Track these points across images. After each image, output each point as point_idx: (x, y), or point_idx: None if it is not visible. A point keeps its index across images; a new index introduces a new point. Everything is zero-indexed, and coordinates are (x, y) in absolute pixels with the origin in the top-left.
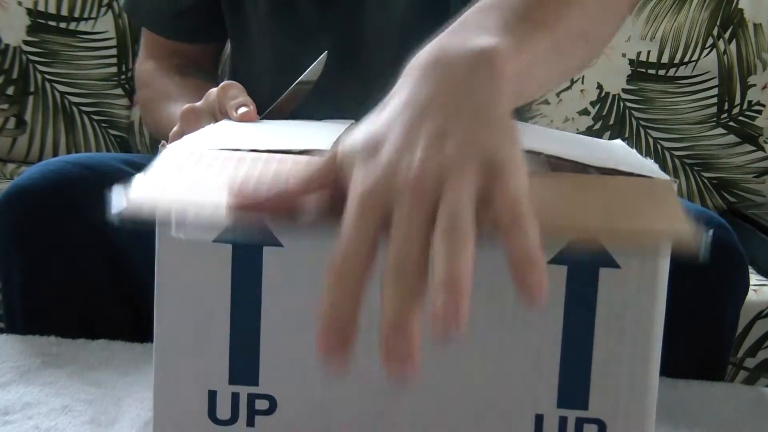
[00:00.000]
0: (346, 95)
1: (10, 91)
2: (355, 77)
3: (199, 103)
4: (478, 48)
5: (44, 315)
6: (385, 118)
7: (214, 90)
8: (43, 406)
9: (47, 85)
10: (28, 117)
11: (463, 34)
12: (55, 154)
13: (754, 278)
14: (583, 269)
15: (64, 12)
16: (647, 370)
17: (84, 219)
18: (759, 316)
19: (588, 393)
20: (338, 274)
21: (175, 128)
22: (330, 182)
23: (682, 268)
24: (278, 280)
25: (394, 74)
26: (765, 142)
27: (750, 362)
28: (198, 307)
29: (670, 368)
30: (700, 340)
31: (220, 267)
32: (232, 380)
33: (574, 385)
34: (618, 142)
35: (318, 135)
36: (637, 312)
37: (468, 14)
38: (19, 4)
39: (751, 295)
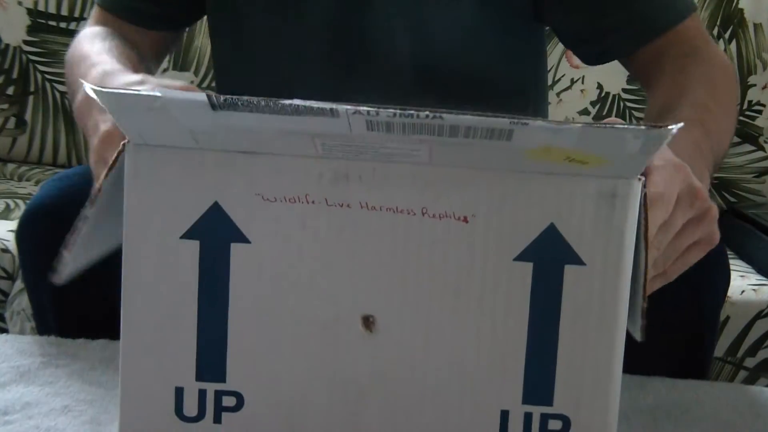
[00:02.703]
0: (350, 98)
1: (10, 91)
2: (360, 77)
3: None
4: (696, 186)
5: (80, 332)
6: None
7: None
8: (43, 406)
9: (47, 85)
10: (28, 117)
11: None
12: (55, 154)
13: (754, 278)
14: (549, 266)
15: (64, 12)
16: (611, 365)
17: None
18: (759, 315)
19: (553, 389)
20: None
21: (93, 156)
22: None
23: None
24: (246, 277)
25: (403, 77)
26: (765, 142)
27: (750, 362)
28: (165, 304)
29: (648, 366)
30: (679, 335)
31: (188, 263)
32: (199, 377)
33: (539, 381)
34: None
35: None
36: (601, 309)
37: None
38: (19, 4)
39: (751, 295)
